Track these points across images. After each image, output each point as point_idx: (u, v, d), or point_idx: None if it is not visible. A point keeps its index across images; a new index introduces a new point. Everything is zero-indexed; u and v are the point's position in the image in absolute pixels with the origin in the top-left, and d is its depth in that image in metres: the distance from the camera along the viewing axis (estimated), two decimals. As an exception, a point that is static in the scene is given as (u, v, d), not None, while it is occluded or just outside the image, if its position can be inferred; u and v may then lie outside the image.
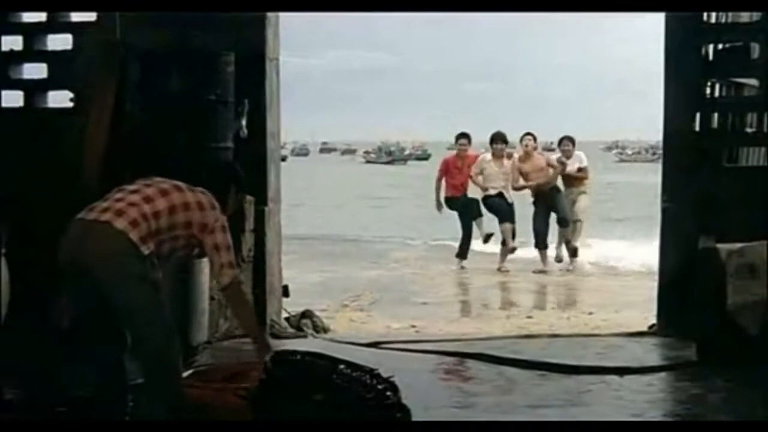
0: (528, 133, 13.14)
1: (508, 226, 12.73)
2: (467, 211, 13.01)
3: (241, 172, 5.27)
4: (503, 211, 12.79)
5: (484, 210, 13.01)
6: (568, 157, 12.95)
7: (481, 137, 13.91)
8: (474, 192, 13.19)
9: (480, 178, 12.85)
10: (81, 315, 4.65)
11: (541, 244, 12.75)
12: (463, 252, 13.01)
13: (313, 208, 27.05)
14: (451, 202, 13.19)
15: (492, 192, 12.79)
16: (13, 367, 5.61)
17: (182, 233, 4.65)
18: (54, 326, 4.81)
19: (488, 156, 13.03)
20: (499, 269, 12.58)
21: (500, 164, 12.85)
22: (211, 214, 4.72)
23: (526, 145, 13.05)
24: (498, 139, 12.98)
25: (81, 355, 4.75)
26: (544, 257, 12.71)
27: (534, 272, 12.46)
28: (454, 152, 13.54)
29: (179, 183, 4.78)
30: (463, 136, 13.33)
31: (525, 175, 12.88)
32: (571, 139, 13.18)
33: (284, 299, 8.28)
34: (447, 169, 13.24)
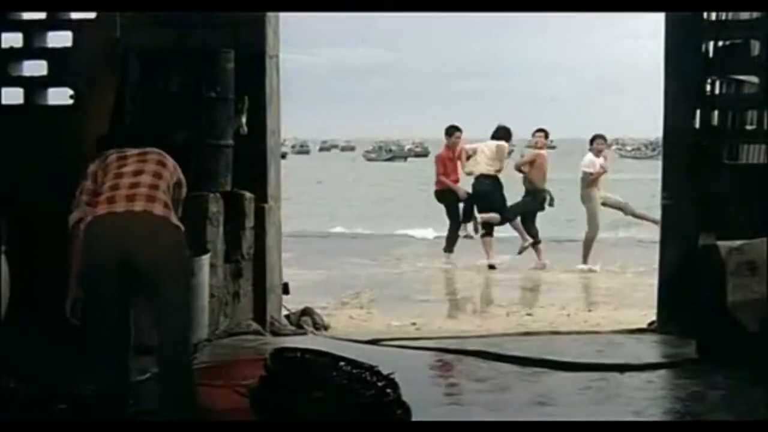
0: (540, 130, 13.21)
1: (485, 215, 12.89)
2: (456, 205, 13.12)
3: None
4: (485, 201, 12.89)
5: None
6: (600, 152, 12.96)
7: (480, 134, 13.86)
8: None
9: (470, 161, 12.94)
10: (103, 311, 4.58)
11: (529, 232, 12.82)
12: (450, 245, 13.09)
13: (313, 205, 27.05)
14: (444, 196, 13.24)
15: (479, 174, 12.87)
16: (17, 364, 5.61)
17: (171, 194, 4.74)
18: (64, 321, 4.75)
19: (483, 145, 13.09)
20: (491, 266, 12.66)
21: (492, 150, 12.93)
22: (169, 161, 4.84)
23: (536, 143, 13.14)
24: (501, 133, 13.03)
25: (90, 352, 4.70)
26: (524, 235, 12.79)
27: (519, 253, 12.54)
28: (443, 147, 13.56)
29: (143, 149, 4.84)
30: (457, 128, 13.38)
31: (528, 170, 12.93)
32: (603, 138, 13.26)
33: (284, 296, 8.29)
34: (444, 164, 13.27)
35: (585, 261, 12.53)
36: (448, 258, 12.95)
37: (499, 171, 12.82)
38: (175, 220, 4.52)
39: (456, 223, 13.11)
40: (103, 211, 4.48)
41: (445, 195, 13.19)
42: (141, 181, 4.55)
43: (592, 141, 13.22)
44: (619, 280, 11.67)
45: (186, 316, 4.60)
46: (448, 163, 13.23)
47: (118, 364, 4.61)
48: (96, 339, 4.58)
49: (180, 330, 4.51)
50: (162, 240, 4.46)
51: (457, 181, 13.25)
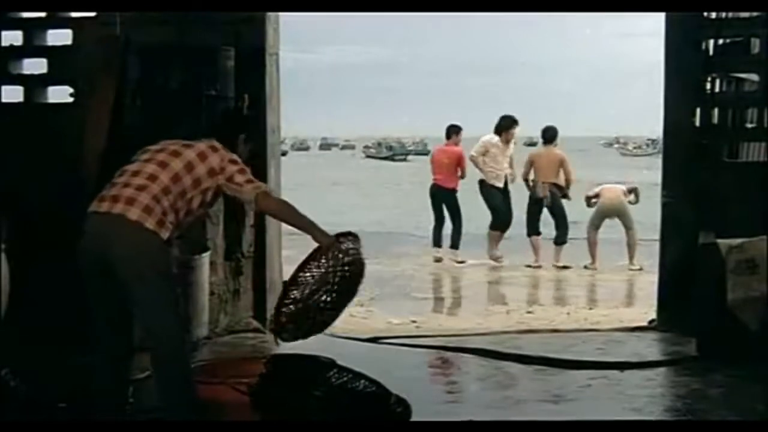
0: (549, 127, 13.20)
1: (494, 233, 12.80)
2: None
3: (246, 117, 5.03)
4: (499, 209, 12.79)
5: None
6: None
7: (478, 132, 13.82)
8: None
9: (481, 159, 12.81)
10: (97, 311, 4.56)
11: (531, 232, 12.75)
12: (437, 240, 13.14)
13: (312, 203, 27.04)
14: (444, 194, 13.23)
15: (491, 177, 12.75)
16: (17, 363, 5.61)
17: (195, 193, 4.53)
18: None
19: (495, 138, 12.94)
20: (494, 258, 12.64)
21: (506, 148, 12.87)
22: (215, 157, 4.59)
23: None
24: (511, 123, 12.90)
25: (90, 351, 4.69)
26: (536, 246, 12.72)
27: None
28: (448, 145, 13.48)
29: (175, 145, 4.64)
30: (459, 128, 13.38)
31: (538, 169, 12.77)
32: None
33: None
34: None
35: (632, 261, 12.31)
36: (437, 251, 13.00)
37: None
38: (151, 225, 4.33)
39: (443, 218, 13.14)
40: (92, 209, 4.47)
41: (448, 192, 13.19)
42: (132, 181, 4.45)
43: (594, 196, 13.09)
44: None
45: (167, 319, 4.43)
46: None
47: (113, 362, 4.59)
48: (93, 338, 4.59)
49: (161, 333, 4.43)
50: (131, 245, 4.33)
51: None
